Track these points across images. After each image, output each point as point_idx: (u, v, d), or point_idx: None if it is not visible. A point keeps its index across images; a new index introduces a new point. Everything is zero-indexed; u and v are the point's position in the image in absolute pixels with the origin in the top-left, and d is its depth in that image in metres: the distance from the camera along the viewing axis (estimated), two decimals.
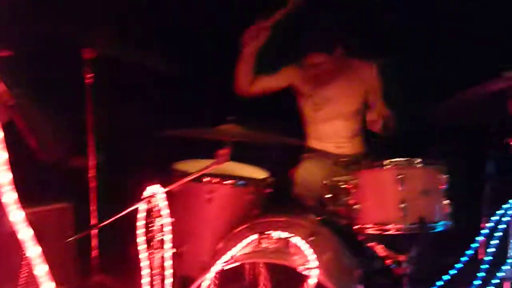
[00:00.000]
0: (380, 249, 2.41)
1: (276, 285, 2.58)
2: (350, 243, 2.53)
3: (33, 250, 1.21)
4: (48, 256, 2.52)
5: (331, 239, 2.54)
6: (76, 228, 2.95)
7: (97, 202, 2.98)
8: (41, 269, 1.22)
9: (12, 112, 2.21)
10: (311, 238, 2.33)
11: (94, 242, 2.99)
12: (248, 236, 2.27)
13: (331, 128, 3.22)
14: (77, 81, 2.83)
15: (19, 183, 1.20)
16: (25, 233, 1.20)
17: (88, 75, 2.84)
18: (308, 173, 3.11)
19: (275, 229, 2.31)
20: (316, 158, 3.23)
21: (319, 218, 2.62)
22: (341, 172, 2.74)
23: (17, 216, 1.18)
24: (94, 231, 3.00)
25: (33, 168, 2.92)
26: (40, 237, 2.62)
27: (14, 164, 1.18)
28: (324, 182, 2.69)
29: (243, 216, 2.62)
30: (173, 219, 2.67)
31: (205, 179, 2.65)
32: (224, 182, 2.68)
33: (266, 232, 2.27)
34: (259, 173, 2.90)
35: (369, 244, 2.45)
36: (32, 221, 2.55)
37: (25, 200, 1.15)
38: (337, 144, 3.22)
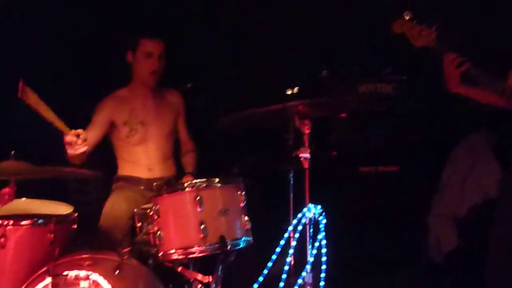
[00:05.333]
0: (188, 274, 2.39)
1: None
2: (160, 271, 2.48)
3: None
4: None
5: (140, 269, 2.46)
6: None
7: None
8: None
9: None
10: (117, 272, 2.24)
11: None
12: (42, 281, 2.10)
13: (144, 150, 3.19)
14: None
15: None
16: None
17: None
18: (116, 202, 3.01)
19: (78, 268, 2.18)
20: (127, 186, 3.15)
21: (127, 249, 2.54)
22: (150, 200, 2.69)
23: None
24: None
25: None
26: None
27: None
28: (135, 210, 2.64)
29: (44, 258, 2.42)
30: None
31: None
32: (20, 223, 2.45)
33: (64, 273, 2.13)
34: (62, 209, 2.71)
35: (178, 270, 2.42)
36: None
37: None
38: (148, 166, 3.18)
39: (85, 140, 2.64)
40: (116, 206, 2.97)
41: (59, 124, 2.52)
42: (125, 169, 3.24)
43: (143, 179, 3.16)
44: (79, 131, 2.65)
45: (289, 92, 2.74)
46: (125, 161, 3.24)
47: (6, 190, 2.12)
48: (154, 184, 2.65)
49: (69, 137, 2.59)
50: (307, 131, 2.40)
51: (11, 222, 2.43)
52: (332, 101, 2.48)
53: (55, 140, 2.62)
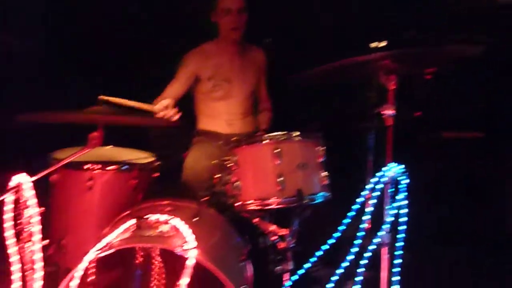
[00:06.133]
0: (265, 225, 2.41)
1: (169, 270, 2.52)
2: (236, 221, 2.52)
3: None
4: None
5: (217, 219, 2.52)
6: None
7: None
8: None
9: None
10: (195, 219, 2.30)
11: None
12: (125, 223, 2.19)
13: (226, 105, 3.23)
14: None
15: None
16: None
17: None
18: (198, 157, 3.11)
19: (158, 213, 2.26)
20: (206, 140, 3.22)
21: (206, 199, 2.60)
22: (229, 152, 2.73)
23: None
24: None
25: None
26: None
27: None
28: (213, 162, 2.68)
29: (127, 202, 2.54)
30: (54, 209, 2.58)
31: (86, 166, 2.55)
32: (107, 168, 2.58)
33: (145, 217, 2.21)
34: (144, 157, 2.81)
35: (254, 221, 2.44)
36: None
37: None
38: (229, 121, 3.22)
39: (174, 107, 2.74)
40: (197, 161, 3.07)
41: (144, 107, 2.63)
42: (205, 123, 3.31)
43: (222, 134, 3.21)
44: (165, 102, 2.75)
45: (373, 45, 2.63)
46: (205, 115, 3.30)
47: (95, 134, 2.20)
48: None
49: (161, 113, 2.69)
50: (392, 87, 2.30)
51: (99, 166, 2.56)
52: (421, 56, 2.35)
53: None
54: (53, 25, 3.45)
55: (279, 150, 2.28)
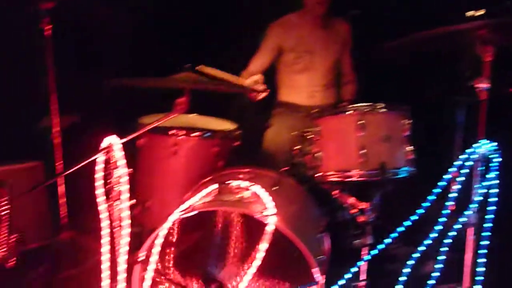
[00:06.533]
0: (344, 198, 2.38)
1: (247, 236, 2.56)
2: (315, 193, 2.51)
3: None
4: (22, 213, 2.51)
5: (296, 189, 2.52)
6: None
7: (63, 158, 2.93)
8: None
9: None
10: (275, 188, 2.31)
11: (62, 200, 2.97)
12: (207, 187, 2.25)
13: (307, 77, 3.20)
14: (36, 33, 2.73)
15: None
16: None
17: (47, 27, 2.74)
18: (278, 128, 3.13)
19: (239, 180, 2.29)
20: (287, 112, 3.22)
21: (285, 169, 2.60)
22: (311, 124, 2.71)
23: None
24: (62, 190, 2.97)
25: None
26: (12, 194, 2.61)
27: None
28: (293, 133, 2.68)
29: (209, 168, 2.60)
30: (140, 172, 2.70)
31: (171, 132, 2.63)
32: (191, 135, 2.64)
33: (226, 182, 2.25)
34: (226, 125, 2.86)
35: (333, 193, 2.41)
36: (5, 179, 2.54)
37: None
38: (310, 93, 3.19)
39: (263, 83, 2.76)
40: (277, 133, 3.09)
41: (234, 80, 2.67)
42: (285, 95, 3.30)
43: (303, 106, 3.19)
44: (256, 77, 2.78)
45: (470, 13, 2.48)
46: (286, 86, 3.29)
47: (181, 99, 2.26)
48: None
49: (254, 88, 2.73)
50: (488, 59, 2.16)
51: (183, 132, 2.63)
52: None
53: None
54: None
55: (363, 121, 2.23)
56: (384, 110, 2.28)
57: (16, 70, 2.84)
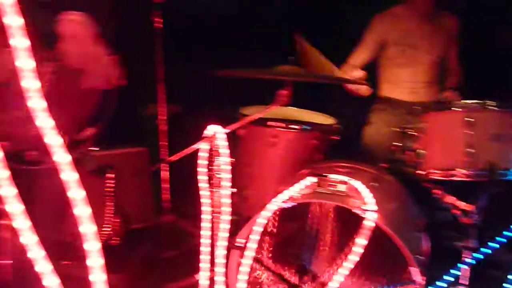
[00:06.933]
0: (446, 198, 2.29)
1: (342, 228, 2.55)
2: (416, 191, 2.44)
3: (76, 193, 1.23)
4: (127, 195, 2.68)
5: (396, 187, 2.47)
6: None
7: (168, 145, 3.08)
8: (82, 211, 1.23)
9: None
10: (374, 184, 2.28)
11: (165, 184, 3.12)
12: (304, 179, 2.26)
13: (410, 73, 3.12)
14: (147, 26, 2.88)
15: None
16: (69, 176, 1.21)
17: (157, 19, 2.87)
18: (378, 124, 3.07)
19: (338, 174, 2.28)
20: (387, 108, 3.15)
21: (385, 166, 2.55)
22: (413, 120, 2.63)
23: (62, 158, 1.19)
24: (165, 175, 3.12)
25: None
26: (120, 178, 2.79)
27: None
28: (393, 129, 2.62)
29: (307, 161, 2.61)
30: (239, 161, 2.76)
31: (271, 124, 2.67)
32: (290, 127, 2.67)
33: (325, 175, 2.25)
34: (325, 120, 2.85)
35: (435, 192, 2.33)
36: (113, 163, 2.72)
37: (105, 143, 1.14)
38: (413, 89, 3.10)
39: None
40: (377, 129, 3.04)
41: (339, 74, 2.67)
42: (386, 90, 3.22)
43: (404, 102, 3.10)
44: (359, 74, 2.76)
45: None
46: (387, 81, 3.21)
47: (284, 92, 2.29)
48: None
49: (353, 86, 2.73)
50: None
51: (283, 125, 2.66)
52: None
53: None
54: None
55: (470, 119, 2.13)
56: (495, 108, 2.16)
57: (126, 60, 3.00)
